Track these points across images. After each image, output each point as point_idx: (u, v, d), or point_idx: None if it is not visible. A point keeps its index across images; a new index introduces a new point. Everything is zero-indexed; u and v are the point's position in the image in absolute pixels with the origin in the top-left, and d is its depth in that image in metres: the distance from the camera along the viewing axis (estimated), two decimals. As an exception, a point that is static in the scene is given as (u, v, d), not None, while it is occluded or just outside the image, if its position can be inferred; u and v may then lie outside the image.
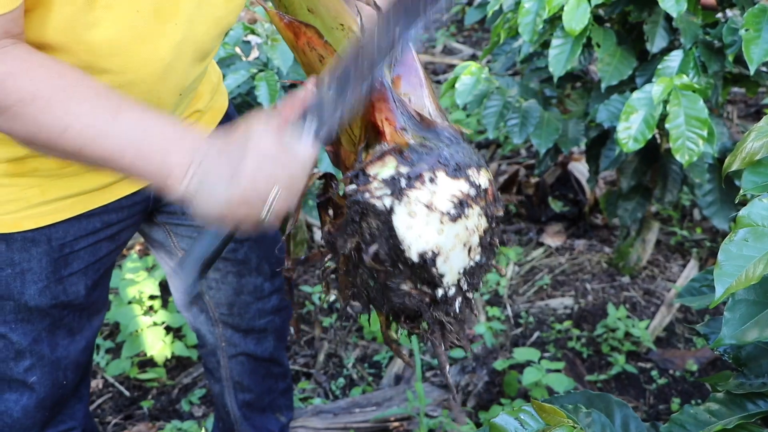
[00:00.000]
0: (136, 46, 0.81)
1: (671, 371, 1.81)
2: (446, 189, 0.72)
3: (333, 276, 0.82)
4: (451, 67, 3.48)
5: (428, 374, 1.84)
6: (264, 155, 0.70)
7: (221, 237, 0.75)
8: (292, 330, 1.99)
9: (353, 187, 0.73)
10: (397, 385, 1.80)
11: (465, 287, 0.76)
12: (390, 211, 0.71)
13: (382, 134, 0.75)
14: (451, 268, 0.73)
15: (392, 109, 0.76)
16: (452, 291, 0.75)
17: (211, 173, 0.71)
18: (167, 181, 0.72)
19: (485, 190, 0.75)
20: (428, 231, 0.71)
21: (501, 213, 0.77)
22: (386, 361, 1.89)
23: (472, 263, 0.75)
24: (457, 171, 0.73)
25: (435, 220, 0.71)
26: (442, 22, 0.77)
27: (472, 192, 0.73)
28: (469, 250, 0.74)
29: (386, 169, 0.73)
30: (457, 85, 1.78)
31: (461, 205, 0.72)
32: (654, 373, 1.81)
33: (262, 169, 0.70)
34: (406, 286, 0.74)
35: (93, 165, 0.76)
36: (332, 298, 0.84)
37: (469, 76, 1.78)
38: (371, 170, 0.74)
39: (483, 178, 0.75)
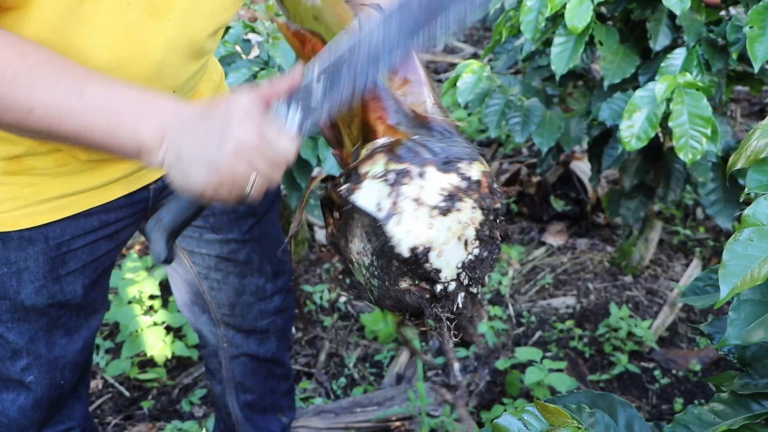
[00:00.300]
0: (128, 42, 0.79)
1: (674, 371, 1.80)
2: (436, 183, 0.72)
3: (341, 277, 0.82)
4: (453, 65, 3.47)
5: (430, 374, 1.83)
6: (244, 141, 0.68)
7: (195, 206, 0.75)
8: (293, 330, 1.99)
9: (346, 186, 0.74)
10: (399, 385, 1.79)
11: (466, 282, 0.75)
12: (379, 210, 0.71)
13: (375, 132, 0.76)
14: (447, 262, 0.73)
15: (385, 108, 0.76)
16: (453, 286, 0.75)
17: (188, 151, 0.69)
18: (141, 155, 0.71)
19: (478, 182, 0.74)
20: (418, 226, 0.71)
21: (499, 205, 0.76)
22: (387, 360, 1.89)
23: (471, 257, 0.75)
24: (447, 164, 0.73)
25: (424, 215, 0.71)
26: (458, 31, 0.77)
27: (463, 185, 0.73)
28: (466, 244, 0.74)
29: (376, 167, 0.73)
30: (458, 84, 1.76)
31: (451, 198, 0.72)
32: (657, 372, 1.80)
33: (241, 156, 0.68)
34: (405, 283, 0.74)
35: (69, 143, 0.75)
36: (343, 298, 0.83)
37: (470, 74, 1.77)
38: (362, 169, 0.74)
39: (475, 171, 0.74)
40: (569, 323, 1.96)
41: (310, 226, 2.28)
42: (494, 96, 1.84)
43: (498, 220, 0.77)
